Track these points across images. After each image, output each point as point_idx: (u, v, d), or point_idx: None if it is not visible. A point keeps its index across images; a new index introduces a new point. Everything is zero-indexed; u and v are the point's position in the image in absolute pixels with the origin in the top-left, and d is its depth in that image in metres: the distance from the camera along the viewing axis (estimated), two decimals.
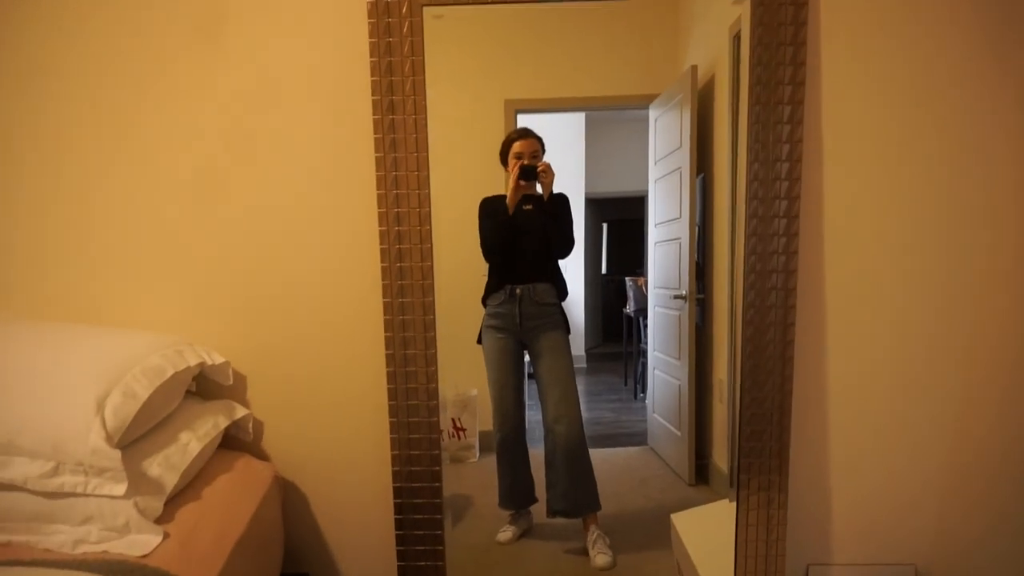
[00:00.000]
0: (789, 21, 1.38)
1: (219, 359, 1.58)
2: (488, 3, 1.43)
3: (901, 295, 1.51)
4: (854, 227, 1.50)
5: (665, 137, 1.86)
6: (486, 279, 1.82)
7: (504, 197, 1.76)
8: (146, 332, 1.54)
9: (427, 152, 1.46)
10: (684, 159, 1.78)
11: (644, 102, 1.88)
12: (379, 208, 1.48)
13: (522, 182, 1.75)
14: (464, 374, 1.89)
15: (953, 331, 1.52)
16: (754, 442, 1.46)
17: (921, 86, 1.46)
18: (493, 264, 1.81)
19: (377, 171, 1.47)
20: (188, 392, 1.59)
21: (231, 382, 1.61)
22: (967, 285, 1.50)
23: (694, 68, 1.74)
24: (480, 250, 1.78)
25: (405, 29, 1.43)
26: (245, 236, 1.62)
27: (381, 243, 1.49)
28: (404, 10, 1.43)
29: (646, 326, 2.07)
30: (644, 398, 2.11)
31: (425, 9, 1.44)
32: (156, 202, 1.62)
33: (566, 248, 1.83)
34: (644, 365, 2.12)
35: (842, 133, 1.47)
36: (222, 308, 1.64)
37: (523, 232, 1.79)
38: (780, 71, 1.38)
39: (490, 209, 1.79)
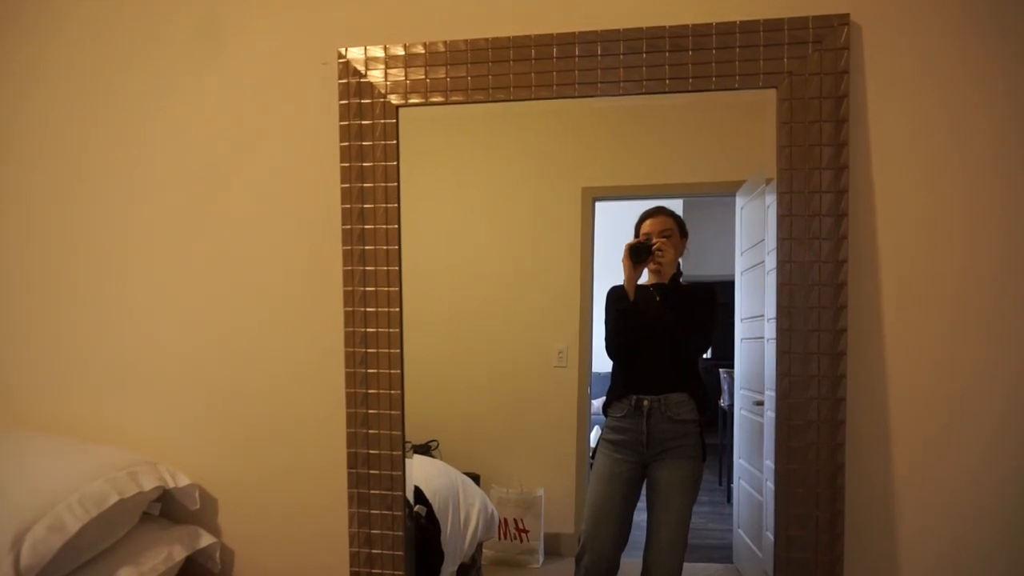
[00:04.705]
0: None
1: (184, 481, 1.45)
2: (456, 103, 1.41)
3: None
4: None
5: (750, 228, 1.70)
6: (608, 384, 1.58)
7: (640, 287, 1.54)
8: (102, 447, 1.43)
9: (398, 244, 1.44)
10: (767, 254, 1.61)
11: (731, 189, 1.74)
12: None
13: (636, 264, 1.50)
14: (529, 472, 1.79)
15: None
16: None
17: None
18: (616, 366, 1.58)
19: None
20: (150, 515, 1.47)
21: (198, 506, 1.48)
22: None
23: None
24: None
25: (378, 132, 1.45)
26: (227, 345, 1.54)
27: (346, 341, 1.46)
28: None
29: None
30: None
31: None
32: (129, 302, 1.55)
33: (695, 344, 1.58)
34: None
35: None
36: (197, 424, 1.54)
37: (651, 329, 1.54)
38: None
39: (616, 299, 1.56)
